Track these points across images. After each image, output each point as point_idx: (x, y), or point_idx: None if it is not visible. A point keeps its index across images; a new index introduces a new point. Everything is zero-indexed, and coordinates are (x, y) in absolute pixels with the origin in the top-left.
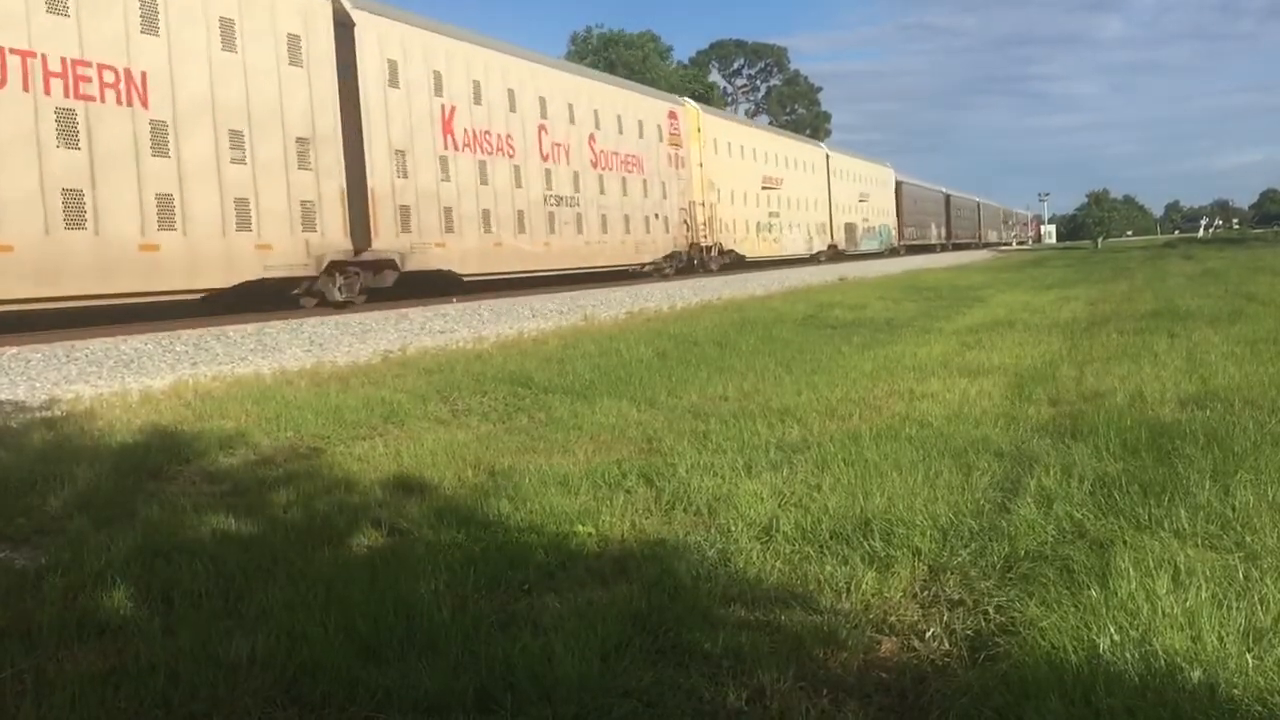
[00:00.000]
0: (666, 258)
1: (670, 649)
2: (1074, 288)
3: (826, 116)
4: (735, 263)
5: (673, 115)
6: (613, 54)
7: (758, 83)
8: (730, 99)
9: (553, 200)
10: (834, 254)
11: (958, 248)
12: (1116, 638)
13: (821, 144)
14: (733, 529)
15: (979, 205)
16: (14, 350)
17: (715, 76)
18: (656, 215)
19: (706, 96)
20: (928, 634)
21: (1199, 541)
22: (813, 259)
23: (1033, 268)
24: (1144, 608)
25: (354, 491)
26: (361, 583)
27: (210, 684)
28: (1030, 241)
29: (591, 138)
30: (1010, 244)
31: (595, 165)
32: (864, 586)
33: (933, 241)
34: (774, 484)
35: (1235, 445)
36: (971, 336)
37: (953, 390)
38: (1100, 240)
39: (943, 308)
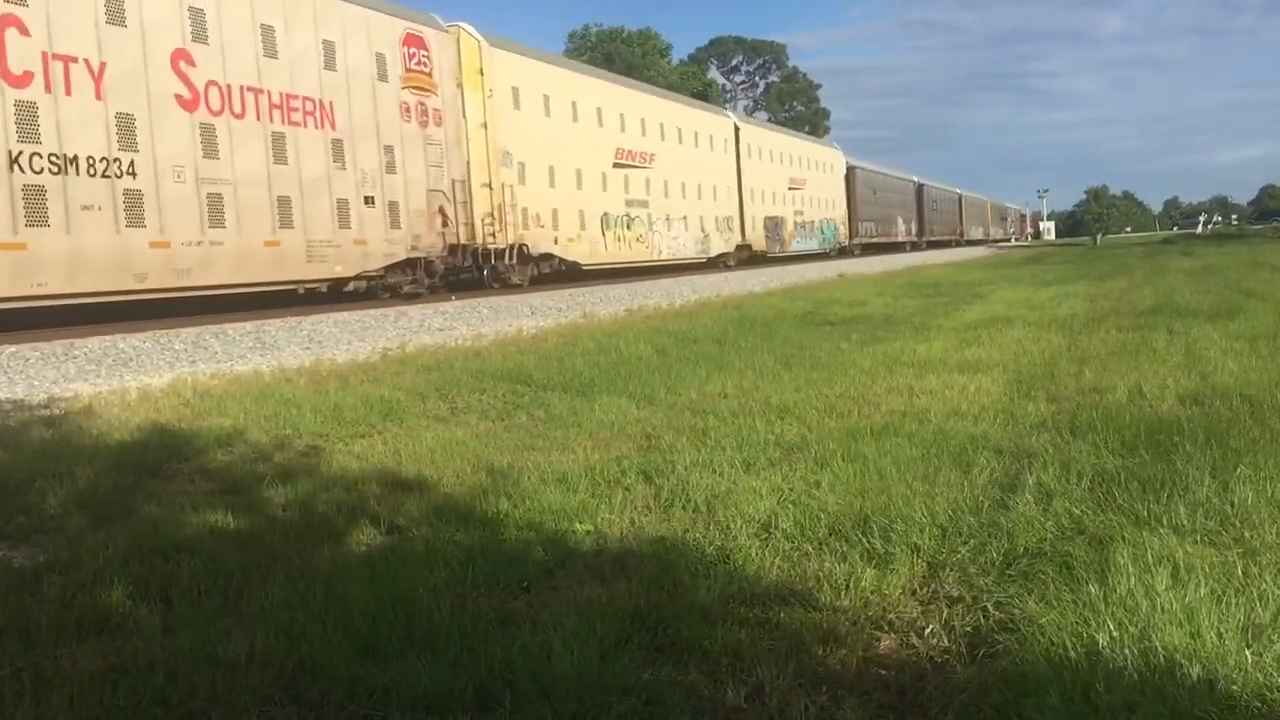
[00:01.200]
0: (394, 267)
1: (669, 646)
2: (1073, 284)
3: (825, 113)
4: (561, 273)
5: (415, 41)
6: (610, 50)
7: (756, 79)
8: (729, 95)
9: (45, 164)
10: (750, 257)
11: (933, 246)
12: (1116, 634)
13: (729, 113)
14: (731, 526)
15: (960, 198)
16: (13, 349)
17: (714, 73)
18: (370, 200)
19: (705, 93)
20: (927, 631)
21: (1198, 538)
22: (714, 264)
23: (1032, 264)
24: (1143, 604)
25: (352, 489)
26: (360, 581)
27: (209, 682)
28: (1028, 239)
29: (182, 56)
30: (1009, 240)
31: (191, 106)
32: (863, 584)
33: (900, 239)
34: (773, 481)
35: (1234, 441)
36: (971, 333)
37: (952, 387)
38: (1099, 236)
39: (942, 304)
